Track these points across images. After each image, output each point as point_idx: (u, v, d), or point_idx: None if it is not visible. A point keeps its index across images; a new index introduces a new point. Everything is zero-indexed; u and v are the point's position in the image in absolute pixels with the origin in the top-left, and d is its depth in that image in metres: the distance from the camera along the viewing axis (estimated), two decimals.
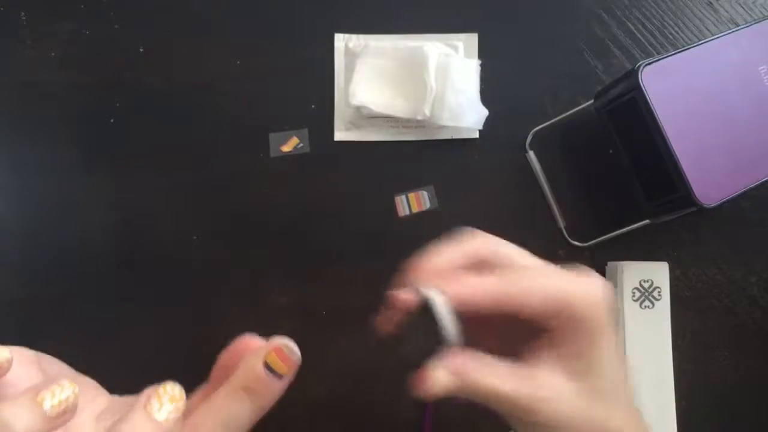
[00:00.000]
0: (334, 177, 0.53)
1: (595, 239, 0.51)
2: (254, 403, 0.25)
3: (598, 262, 0.52)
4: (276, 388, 0.25)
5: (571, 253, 0.52)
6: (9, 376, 0.25)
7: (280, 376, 0.25)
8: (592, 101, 0.49)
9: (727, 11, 0.54)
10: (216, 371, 0.29)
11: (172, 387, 0.25)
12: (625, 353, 0.48)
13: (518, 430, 0.30)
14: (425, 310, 0.27)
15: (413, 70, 0.51)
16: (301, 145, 0.53)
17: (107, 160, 0.53)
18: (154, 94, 0.53)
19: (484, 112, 0.52)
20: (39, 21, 0.54)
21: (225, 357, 0.28)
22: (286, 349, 0.26)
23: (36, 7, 0.54)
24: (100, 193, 0.52)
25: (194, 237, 0.51)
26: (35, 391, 0.23)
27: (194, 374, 0.54)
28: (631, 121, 0.45)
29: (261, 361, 0.25)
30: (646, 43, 0.54)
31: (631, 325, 0.48)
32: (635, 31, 0.54)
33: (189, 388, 0.55)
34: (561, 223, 0.52)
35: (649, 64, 0.43)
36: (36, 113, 0.53)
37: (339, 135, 0.53)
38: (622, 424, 0.27)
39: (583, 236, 0.52)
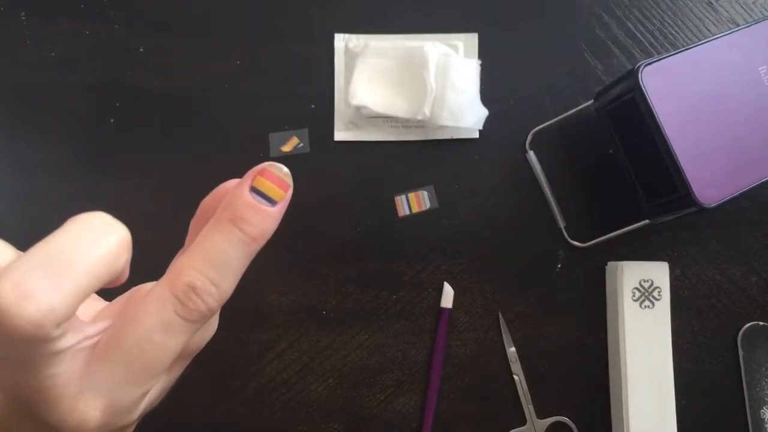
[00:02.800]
0: (334, 177, 0.53)
1: (595, 239, 0.51)
2: (245, 233, 0.21)
3: (598, 262, 0.52)
4: (270, 216, 0.22)
5: (571, 253, 0.52)
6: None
7: (272, 202, 0.22)
8: (592, 101, 0.49)
9: (727, 11, 0.54)
10: (193, 227, 0.25)
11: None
12: (625, 353, 0.48)
13: None
14: None
15: (413, 70, 0.51)
16: (301, 145, 0.53)
17: (107, 160, 0.53)
18: (154, 94, 0.53)
19: (484, 112, 0.52)
20: (39, 21, 0.54)
21: (206, 204, 0.25)
22: (274, 168, 0.22)
23: (36, 7, 0.54)
24: (100, 193, 0.52)
25: None
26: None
27: (193, 376, 0.54)
28: (631, 121, 0.45)
29: (248, 186, 0.21)
30: (646, 43, 0.54)
31: (631, 325, 0.48)
32: (635, 31, 0.54)
33: (188, 391, 0.55)
34: (561, 223, 0.52)
35: (649, 64, 0.43)
36: (36, 113, 0.53)
37: (339, 135, 0.53)
38: None
39: (583, 236, 0.52)
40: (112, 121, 0.53)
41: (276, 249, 0.52)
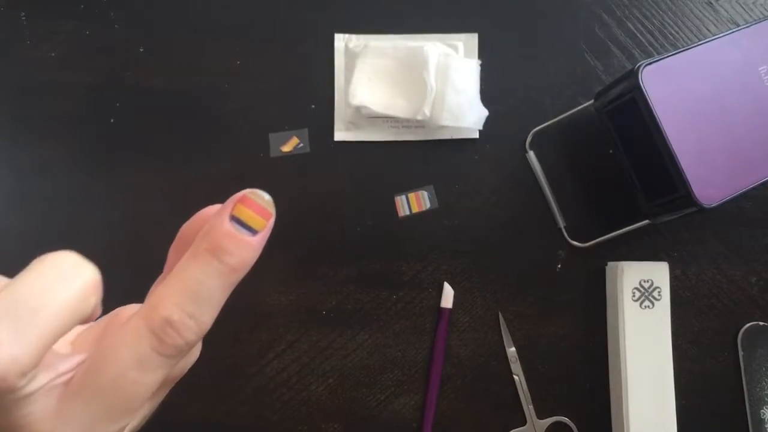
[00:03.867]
0: (334, 177, 0.53)
1: (595, 239, 0.51)
2: (224, 264, 0.20)
3: (598, 262, 0.52)
4: (251, 246, 0.20)
5: (571, 253, 0.52)
6: None
7: (253, 231, 0.21)
8: (592, 101, 0.49)
9: (727, 11, 0.54)
10: (172, 253, 0.24)
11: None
12: (625, 353, 0.48)
13: None
14: None
15: (413, 70, 0.51)
16: (301, 145, 0.53)
17: (107, 160, 0.53)
18: (154, 94, 0.53)
19: (484, 112, 0.52)
20: (39, 21, 0.54)
21: (186, 231, 0.24)
22: (255, 196, 0.21)
23: (36, 7, 0.54)
24: (100, 193, 0.52)
25: None
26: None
27: (193, 376, 0.54)
28: (631, 121, 0.45)
29: (227, 215, 0.20)
30: (646, 43, 0.54)
31: (631, 325, 0.48)
32: (635, 31, 0.54)
33: (188, 391, 0.55)
34: (561, 223, 0.52)
35: (649, 64, 0.43)
36: (36, 113, 0.53)
37: (339, 135, 0.53)
38: None
39: (583, 236, 0.52)
40: (112, 121, 0.53)
41: (276, 249, 0.52)
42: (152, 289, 0.22)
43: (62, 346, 0.25)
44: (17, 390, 0.17)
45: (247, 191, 0.21)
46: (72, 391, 0.20)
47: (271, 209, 0.22)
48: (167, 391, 0.25)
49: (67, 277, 0.19)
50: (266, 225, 0.21)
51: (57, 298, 0.18)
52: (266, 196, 0.21)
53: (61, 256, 0.19)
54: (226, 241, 0.20)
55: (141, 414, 0.22)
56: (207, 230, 0.20)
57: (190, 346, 0.20)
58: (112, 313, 0.24)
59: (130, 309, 0.25)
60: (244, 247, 0.20)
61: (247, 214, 0.21)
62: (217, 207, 0.23)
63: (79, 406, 0.19)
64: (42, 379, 0.19)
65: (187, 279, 0.20)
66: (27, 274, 0.18)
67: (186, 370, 0.25)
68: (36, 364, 0.17)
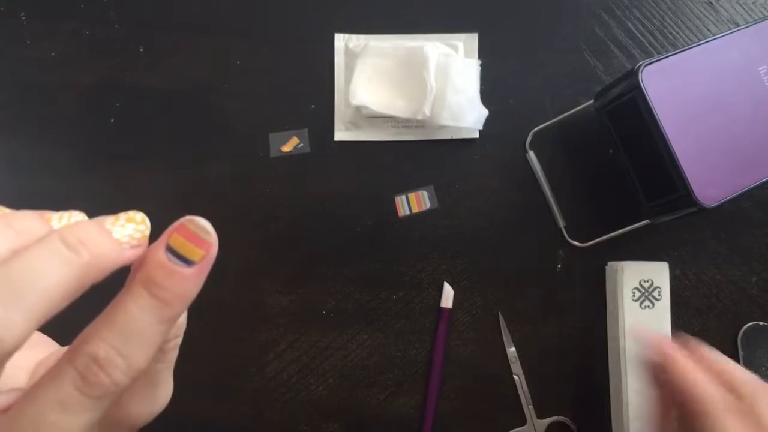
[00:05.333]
0: (334, 177, 0.53)
1: (595, 239, 0.51)
2: (155, 298, 0.18)
3: (598, 262, 0.52)
4: (186, 278, 0.19)
5: (571, 253, 0.52)
6: None
7: (190, 262, 0.19)
8: (592, 101, 0.49)
9: (727, 11, 0.54)
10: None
11: (134, 212, 0.20)
12: (625, 353, 0.48)
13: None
14: None
15: (413, 70, 0.51)
16: (301, 145, 0.53)
17: (107, 160, 0.53)
18: (154, 94, 0.53)
19: (484, 112, 0.52)
20: (39, 21, 0.54)
21: (135, 265, 0.22)
22: (191, 225, 0.19)
23: (36, 7, 0.54)
24: (100, 193, 0.52)
25: None
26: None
27: (193, 376, 0.55)
28: (631, 121, 0.45)
29: (163, 246, 0.19)
30: (646, 43, 0.54)
31: (631, 325, 0.48)
32: (635, 31, 0.54)
33: (188, 391, 0.55)
34: (561, 223, 0.52)
35: (649, 64, 0.43)
36: (36, 113, 0.53)
37: (339, 135, 0.53)
38: None
39: (583, 236, 0.52)
40: (112, 121, 0.53)
41: (276, 249, 0.53)
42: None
43: (21, 373, 0.24)
44: None
45: (186, 219, 0.19)
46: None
47: (210, 238, 0.19)
48: None
49: (60, 260, 0.18)
50: (203, 255, 0.19)
51: (48, 282, 0.17)
52: (203, 223, 0.19)
53: (59, 235, 0.18)
54: (158, 273, 0.19)
55: None
56: (144, 264, 0.19)
57: (119, 386, 0.18)
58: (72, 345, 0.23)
59: None
60: (177, 280, 0.19)
61: (182, 244, 0.19)
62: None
63: None
64: None
65: (118, 314, 0.18)
66: (24, 253, 0.18)
67: (150, 417, 0.24)
68: (16, 347, 0.17)
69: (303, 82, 0.53)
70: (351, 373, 0.52)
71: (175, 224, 0.19)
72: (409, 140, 0.53)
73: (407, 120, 0.52)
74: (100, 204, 0.53)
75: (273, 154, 0.53)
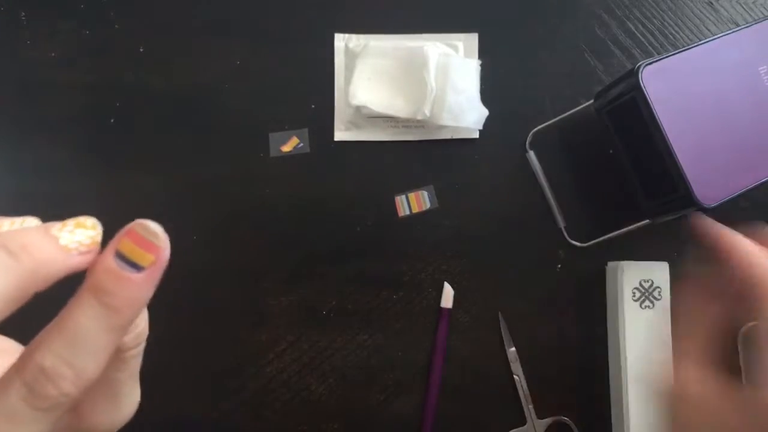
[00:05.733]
0: (334, 177, 0.53)
1: (595, 239, 0.51)
2: (107, 306, 0.18)
3: (598, 262, 0.52)
4: (134, 283, 0.18)
5: (571, 253, 0.52)
6: None
7: (140, 267, 0.18)
8: (592, 101, 0.49)
9: (727, 11, 0.54)
10: None
11: (84, 217, 0.20)
12: (625, 353, 0.48)
13: None
14: None
15: (413, 70, 0.51)
16: (301, 145, 0.53)
17: (107, 160, 0.53)
18: (154, 94, 0.53)
19: (484, 112, 0.52)
20: (39, 21, 0.54)
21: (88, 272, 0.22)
22: (141, 229, 0.19)
23: (36, 7, 0.54)
24: (100, 193, 0.52)
25: (194, 237, 0.51)
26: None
27: (193, 376, 0.55)
28: (631, 121, 0.44)
29: (112, 251, 0.18)
30: (646, 43, 0.54)
31: (631, 325, 0.48)
32: (635, 31, 0.54)
33: (188, 391, 0.55)
34: (561, 223, 0.52)
35: (650, 64, 0.43)
36: (36, 113, 0.53)
37: (339, 135, 0.53)
38: None
39: (583, 236, 0.52)
40: (112, 121, 0.53)
41: (276, 249, 0.53)
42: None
43: None
44: None
45: (134, 223, 0.19)
46: None
47: (159, 242, 0.19)
48: None
49: (1, 267, 0.17)
50: (153, 260, 0.19)
51: None
52: (152, 227, 0.19)
53: (1, 241, 0.18)
54: (107, 279, 0.18)
55: None
56: (93, 269, 0.18)
57: (69, 398, 0.18)
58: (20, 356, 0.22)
59: None
60: (125, 286, 0.18)
61: (131, 249, 0.18)
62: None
63: None
64: None
65: (66, 322, 0.18)
66: None
67: (112, 430, 0.23)
68: None
69: (303, 82, 0.53)
70: (351, 373, 0.52)
71: (125, 229, 0.19)
72: (409, 140, 0.53)
73: (407, 120, 0.52)
74: (100, 204, 0.53)
75: (273, 154, 0.53)
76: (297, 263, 0.52)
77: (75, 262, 0.19)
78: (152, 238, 0.19)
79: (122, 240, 0.19)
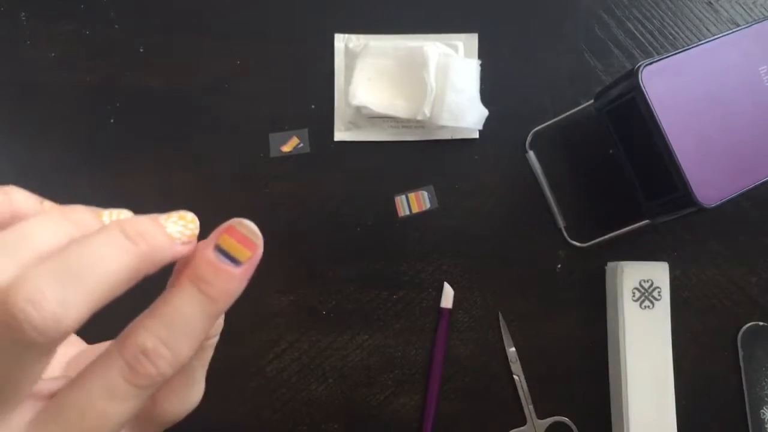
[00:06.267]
0: (334, 177, 0.53)
1: (595, 239, 0.51)
2: (205, 295, 0.20)
3: (598, 262, 0.52)
4: (233, 276, 0.20)
5: (571, 253, 0.52)
6: None
7: (237, 262, 0.20)
8: (592, 101, 0.49)
9: (727, 11, 0.54)
10: (170, 286, 0.24)
11: (184, 212, 0.21)
12: (625, 353, 0.48)
13: None
14: None
15: (413, 70, 0.51)
16: (301, 145, 0.53)
17: (107, 160, 0.53)
18: (154, 94, 0.53)
19: (484, 112, 0.52)
20: (39, 21, 0.54)
21: (178, 267, 0.23)
22: (241, 227, 0.21)
23: (36, 7, 0.54)
24: (100, 193, 0.52)
25: None
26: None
27: None
28: (631, 121, 0.45)
29: (212, 245, 0.20)
30: (646, 43, 0.54)
31: (631, 325, 0.48)
32: (635, 31, 0.54)
33: None
34: (561, 223, 0.52)
35: (649, 64, 0.43)
36: (36, 113, 0.53)
37: (339, 135, 0.53)
38: None
39: (583, 236, 0.52)
40: (112, 121, 0.53)
41: (276, 249, 0.52)
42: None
43: (56, 367, 0.24)
44: (42, 349, 0.17)
45: (233, 221, 0.21)
46: (44, 413, 0.19)
47: (257, 240, 0.21)
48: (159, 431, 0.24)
49: (119, 248, 0.19)
50: (250, 256, 0.21)
51: (108, 268, 0.18)
52: (252, 227, 0.21)
53: (123, 228, 0.19)
54: (207, 270, 0.20)
55: None
56: (193, 262, 0.20)
57: (164, 377, 0.19)
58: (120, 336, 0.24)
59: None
60: (225, 278, 0.20)
61: (230, 244, 0.20)
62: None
63: (45, 430, 0.19)
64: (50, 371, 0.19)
65: (166, 307, 0.20)
66: (89, 241, 0.18)
67: (180, 416, 0.24)
68: (72, 330, 0.17)
69: (303, 82, 0.53)
70: (351, 373, 0.52)
71: (225, 225, 0.21)
72: (409, 140, 0.53)
73: (407, 120, 0.52)
74: (100, 204, 0.53)
75: (273, 154, 0.53)
76: (297, 263, 0.52)
77: (178, 250, 0.20)
78: (251, 237, 0.21)
79: (222, 236, 0.20)
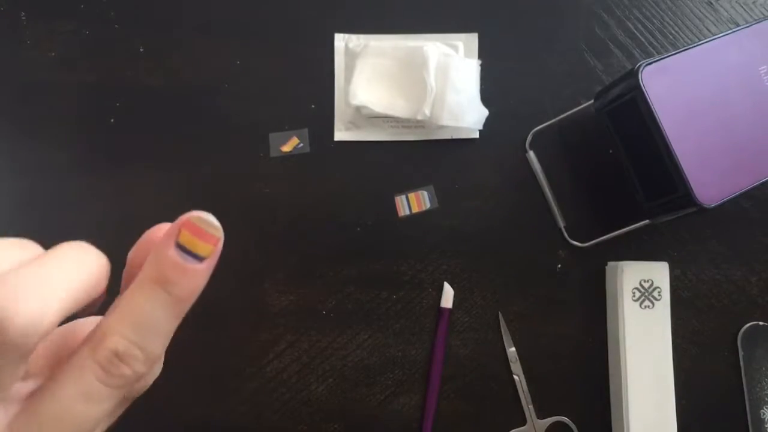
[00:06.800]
0: (334, 177, 0.53)
1: (595, 239, 0.51)
2: (172, 296, 0.19)
3: (598, 262, 0.52)
4: (198, 273, 0.20)
5: (571, 253, 0.52)
6: None
7: (200, 258, 0.20)
8: (592, 101, 0.49)
9: (727, 11, 0.54)
10: (125, 277, 0.23)
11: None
12: (625, 353, 0.48)
13: None
14: None
15: (413, 70, 0.51)
16: (301, 145, 0.53)
17: (107, 160, 0.53)
18: (154, 94, 0.53)
19: (484, 112, 0.52)
20: (39, 21, 0.54)
21: (133, 257, 0.23)
22: (200, 222, 0.20)
23: (36, 7, 0.54)
24: (100, 193, 0.52)
25: None
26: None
27: (193, 376, 0.55)
28: (631, 121, 0.45)
29: (172, 243, 0.19)
30: (646, 43, 0.54)
31: (631, 325, 0.48)
32: (635, 31, 0.54)
33: (188, 391, 0.55)
34: (561, 223, 0.52)
35: (650, 64, 0.43)
36: (36, 113, 0.53)
37: (339, 135, 0.53)
38: None
39: (583, 236, 0.52)
40: (112, 121, 0.53)
41: (276, 249, 0.53)
42: (102, 319, 0.21)
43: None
44: (20, 349, 0.17)
45: (192, 215, 0.20)
46: (22, 419, 0.19)
47: (217, 233, 0.20)
48: (124, 409, 0.24)
49: (86, 261, 0.20)
50: (213, 251, 0.20)
51: (77, 277, 0.19)
52: (210, 219, 0.20)
53: (80, 244, 0.20)
54: (172, 271, 0.19)
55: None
56: (153, 259, 0.20)
57: (139, 375, 0.20)
58: (68, 325, 0.23)
59: (87, 323, 0.24)
60: (190, 277, 0.20)
61: (192, 242, 0.20)
62: (163, 227, 0.22)
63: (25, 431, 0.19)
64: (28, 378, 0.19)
65: (134, 309, 0.20)
66: (54, 253, 0.19)
67: (146, 387, 0.25)
68: (48, 332, 0.17)
69: (303, 82, 0.53)
70: (351, 373, 0.52)
71: (181, 220, 0.20)
72: (409, 140, 0.53)
73: (407, 120, 0.52)
74: (100, 204, 0.53)
75: (273, 154, 0.53)
76: (297, 263, 0.52)
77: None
78: (210, 229, 0.20)
79: (182, 233, 0.20)
